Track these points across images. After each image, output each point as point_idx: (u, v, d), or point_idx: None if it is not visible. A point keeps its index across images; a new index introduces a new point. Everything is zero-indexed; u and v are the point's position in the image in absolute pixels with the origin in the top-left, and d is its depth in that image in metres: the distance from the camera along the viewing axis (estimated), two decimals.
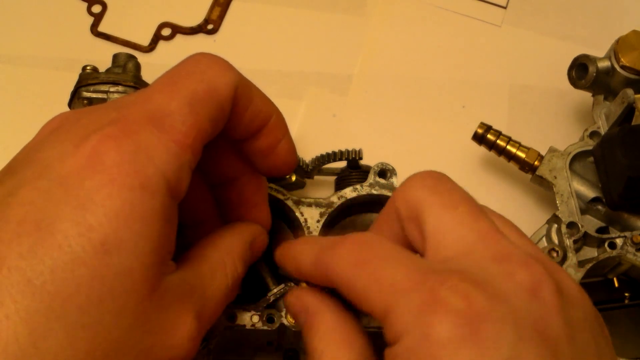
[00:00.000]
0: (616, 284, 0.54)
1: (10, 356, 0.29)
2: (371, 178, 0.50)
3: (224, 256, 0.40)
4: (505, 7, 0.70)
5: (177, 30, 0.68)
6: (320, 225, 0.48)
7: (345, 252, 0.35)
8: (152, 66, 0.58)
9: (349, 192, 0.49)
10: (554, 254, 0.51)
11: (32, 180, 0.33)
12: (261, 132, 0.41)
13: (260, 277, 0.46)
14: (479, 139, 0.57)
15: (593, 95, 0.58)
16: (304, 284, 0.45)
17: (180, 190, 0.35)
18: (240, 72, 0.39)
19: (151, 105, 0.36)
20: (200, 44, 0.68)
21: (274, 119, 0.41)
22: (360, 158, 0.53)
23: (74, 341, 0.31)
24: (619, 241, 0.51)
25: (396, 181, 0.50)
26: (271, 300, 0.45)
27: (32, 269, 0.30)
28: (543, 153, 0.55)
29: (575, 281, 0.34)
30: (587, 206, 0.54)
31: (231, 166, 0.43)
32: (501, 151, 0.57)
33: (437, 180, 0.36)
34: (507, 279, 0.31)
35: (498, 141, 0.56)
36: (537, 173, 0.55)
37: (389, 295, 0.32)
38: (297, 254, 0.39)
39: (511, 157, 0.56)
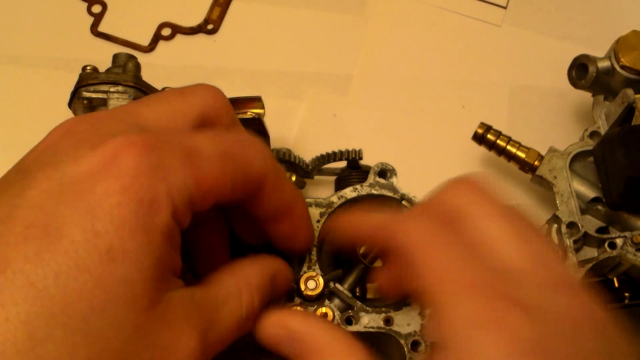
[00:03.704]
0: (616, 284, 0.54)
1: None
2: (371, 178, 0.50)
3: (241, 284, 0.39)
4: (505, 7, 0.70)
5: (177, 30, 0.69)
6: (320, 225, 0.48)
7: (423, 225, 0.35)
8: (152, 66, 0.58)
9: (349, 192, 0.49)
10: None
11: (42, 182, 0.33)
12: (282, 220, 0.41)
13: None
14: (479, 139, 0.57)
15: (593, 95, 0.58)
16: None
17: (182, 223, 0.35)
18: (275, 159, 0.40)
19: (189, 137, 0.36)
20: (200, 44, 0.68)
21: (297, 211, 0.41)
22: (360, 158, 0.53)
23: (73, 348, 0.30)
24: (619, 241, 0.51)
25: (396, 181, 0.50)
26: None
27: (36, 272, 0.30)
28: (543, 153, 0.55)
29: (599, 303, 0.33)
30: (587, 206, 0.54)
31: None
32: (501, 151, 0.57)
33: (481, 187, 0.36)
34: (563, 309, 0.31)
35: (498, 141, 0.56)
36: (537, 173, 0.55)
37: (451, 283, 0.32)
38: (362, 215, 0.39)
39: (511, 157, 0.56)
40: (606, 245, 0.51)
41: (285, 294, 0.44)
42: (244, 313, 0.38)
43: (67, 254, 0.31)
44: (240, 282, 0.39)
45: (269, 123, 0.55)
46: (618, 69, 0.55)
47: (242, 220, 0.42)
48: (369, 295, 0.52)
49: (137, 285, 0.32)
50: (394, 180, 0.50)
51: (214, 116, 0.39)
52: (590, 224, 0.54)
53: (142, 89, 0.51)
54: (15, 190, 0.33)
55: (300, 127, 0.64)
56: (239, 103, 0.52)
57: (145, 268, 0.32)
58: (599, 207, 0.54)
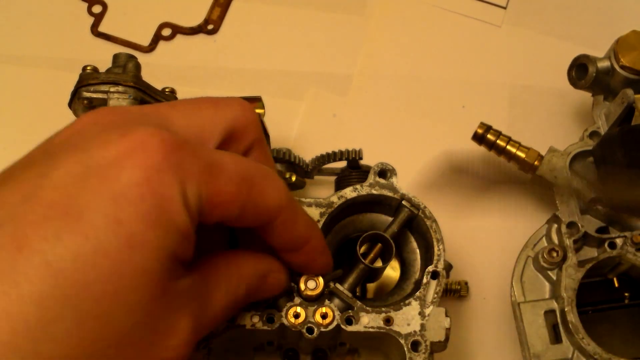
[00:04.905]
0: (616, 284, 0.54)
1: (18, 337, 0.29)
2: (371, 178, 0.50)
3: (233, 273, 0.40)
4: (505, 7, 0.70)
5: (177, 30, 0.69)
6: (320, 225, 0.48)
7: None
8: (152, 66, 0.58)
9: (349, 192, 0.49)
10: (554, 254, 0.51)
11: (68, 164, 0.33)
12: (295, 252, 0.42)
13: None
14: (479, 139, 0.57)
15: (593, 96, 0.58)
16: (302, 284, 0.45)
17: (194, 225, 0.35)
18: (294, 198, 0.40)
19: (215, 151, 0.37)
20: (200, 44, 0.68)
21: (311, 244, 0.42)
22: (360, 158, 0.53)
23: (82, 330, 0.31)
24: (619, 241, 0.51)
25: (396, 181, 0.50)
26: (271, 300, 0.45)
27: (54, 252, 0.30)
28: (543, 153, 0.55)
29: None
30: (587, 206, 0.54)
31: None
32: (501, 151, 0.57)
33: None
34: None
35: (498, 141, 0.57)
36: (537, 173, 0.55)
37: None
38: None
39: (511, 157, 0.56)
40: (606, 245, 0.51)
41: (279, 295, 0.45)
42: (230, 300, 0.39)
43: (86, 238, 0.31)
44: (232, 270, 0.40)
45: (269, 123, 0.55)
46: (618, 69, 0.55)
47: (249, 245, 0.43)
48: (369, 295, 0.52)
49: (152, 274, 0.33)
50: (394, 180, 0.50)
51: (241, 131, 0.40)
52: (590, 224, 0.54)
53: (142, 89, 0.51)
54: (41, 169, 0.33)
55: (300, 127, 0.64)
56: None
57: (162, 259, 0.33)
58: (599, 207, 0.54)
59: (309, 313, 0.45)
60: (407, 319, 0.46)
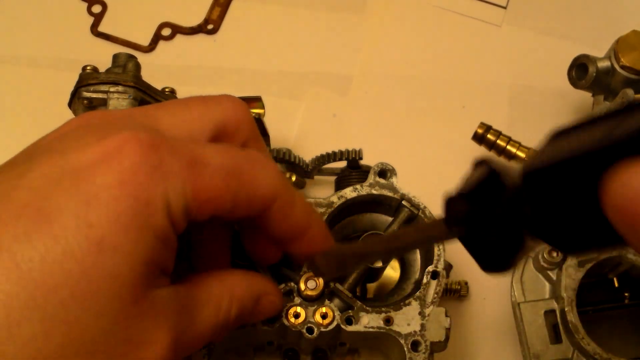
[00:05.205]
0: (616, 284, 0.54)
1: None
2: (371, 178, 0.50)
3: (224, 293, 0.38)
4: (505, 7, 0.70)
5: (177, 30, 0.69)
6: None
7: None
8: (152, 66, 0.58)
9: (349, 192, 0.49)
10: (554, 254, 0.51)
11: (44, 167, 0.33)
12: (295, 240, 0.40)
13: None
14: (479, 139, 0.57)
15: (593, 95, 0.58)
16: (302, 286, 0.45)
17: (177, 227, 0.35)
18: (289, 182, 0.39)
19: (198, 146, 0.36)
20: (200, 44, 0.68)
21: (312, 231, 0.40)
22: (360, 158, 0.53)
23: (49, 333, 0.30)
24: None
25: (396, 181, 0.50)
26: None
27: (22, 253, 0.30)
28: None
29: None
30: None
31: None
32: (501, 151, 0.57)
33: None
34: None
35: (498, 141, 0.57)
36: None
37: None
38: None
39: (511, 157, 0.56)
40: None
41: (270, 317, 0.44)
42: (220, 320, 0.38)
43: (56, 239, 0.31)
44: (224, 290, 0.39)
45: (269, 123, 0.55)
46: (618, 69, 0.55)
47: (252, 239, 0.42)
48: (369, 295, 0.52)
49: (124, 280, 0.32)
50: (394, 180, 0.50)
51: (232, 128, 0.39)
52: None
53: (142, 89, 0.51)
54: (19, 171, 0.33)
55: (300, 127, 0.64)
56: None
57: (135, 264, 0.32)
58: None
59: (309, 313, 0.45)
60: (407, 319, 0.46)
